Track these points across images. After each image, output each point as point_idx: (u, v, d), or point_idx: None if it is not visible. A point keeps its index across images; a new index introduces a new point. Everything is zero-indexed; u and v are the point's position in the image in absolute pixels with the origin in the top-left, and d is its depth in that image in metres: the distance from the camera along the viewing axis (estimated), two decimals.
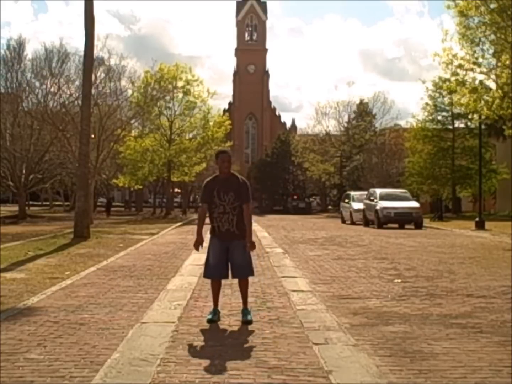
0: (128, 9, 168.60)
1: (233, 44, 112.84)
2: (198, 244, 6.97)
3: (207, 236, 7.05)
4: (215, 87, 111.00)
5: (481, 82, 24.67)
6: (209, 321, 6.77)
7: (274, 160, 76.81)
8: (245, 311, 6.94)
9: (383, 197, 29.89)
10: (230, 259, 6.91)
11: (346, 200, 35.34)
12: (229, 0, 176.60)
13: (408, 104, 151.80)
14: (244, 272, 7.01)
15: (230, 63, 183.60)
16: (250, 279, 7.27)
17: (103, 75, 37.27)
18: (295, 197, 71.08)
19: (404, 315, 7.22)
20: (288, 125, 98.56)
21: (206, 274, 7.17)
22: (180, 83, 45.54)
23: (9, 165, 39.01)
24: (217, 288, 7.08)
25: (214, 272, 6.98)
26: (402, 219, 28.63)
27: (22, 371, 4.87)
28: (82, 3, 21.17)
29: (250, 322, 6.73)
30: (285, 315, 7.14)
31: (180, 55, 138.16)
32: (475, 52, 23.57)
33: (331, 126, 65.63)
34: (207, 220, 7.07)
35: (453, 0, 23.42)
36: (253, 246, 6.97)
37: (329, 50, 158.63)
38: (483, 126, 31.73)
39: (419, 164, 46.72)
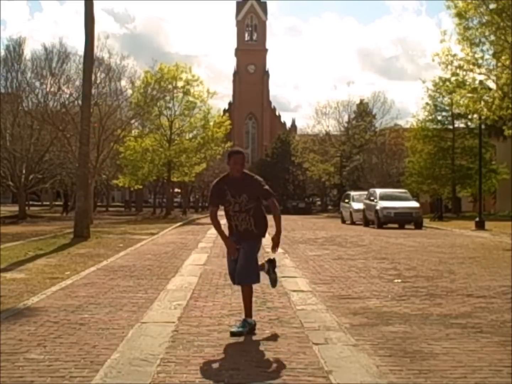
0: (123, 7, 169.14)
1: (232, 43, 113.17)
2: (233, 250, 6.22)
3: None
4: (213, 87, 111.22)
5: (481, 82, 24.65)
6: (232, 334, 6.04)
7: (274, 160, 76.87)
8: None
9: (383, 197, 29.88)
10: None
11: (346, 200, 35.32)
12: (229, 0, 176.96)
13: (407, 103, 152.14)
14: (243, 276, 6.20)
15: (227, 63, 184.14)
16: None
17: (103, 75, 37.28)
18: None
19: (404, 315, 7.22)
20: (288, 125, 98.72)
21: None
22: (180, 83, 45.49)
23: (9, 165, 38.98)
24: (246, 293, 6.30)
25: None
26: (402, 219, 28.63)
27: (22, 371, 4.86)
28: (77, 2, 21.20)
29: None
30: (285, 315, 7.14)
31: (177, 53, 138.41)
32: (475, 52, 23.53)
33: (331, 126, 65.75)
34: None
35: (452, 0, 23.39)
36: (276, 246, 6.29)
37: (326, 49, 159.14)
38: (483, 126, 31.73)
39: (419, 164, 46.69)
